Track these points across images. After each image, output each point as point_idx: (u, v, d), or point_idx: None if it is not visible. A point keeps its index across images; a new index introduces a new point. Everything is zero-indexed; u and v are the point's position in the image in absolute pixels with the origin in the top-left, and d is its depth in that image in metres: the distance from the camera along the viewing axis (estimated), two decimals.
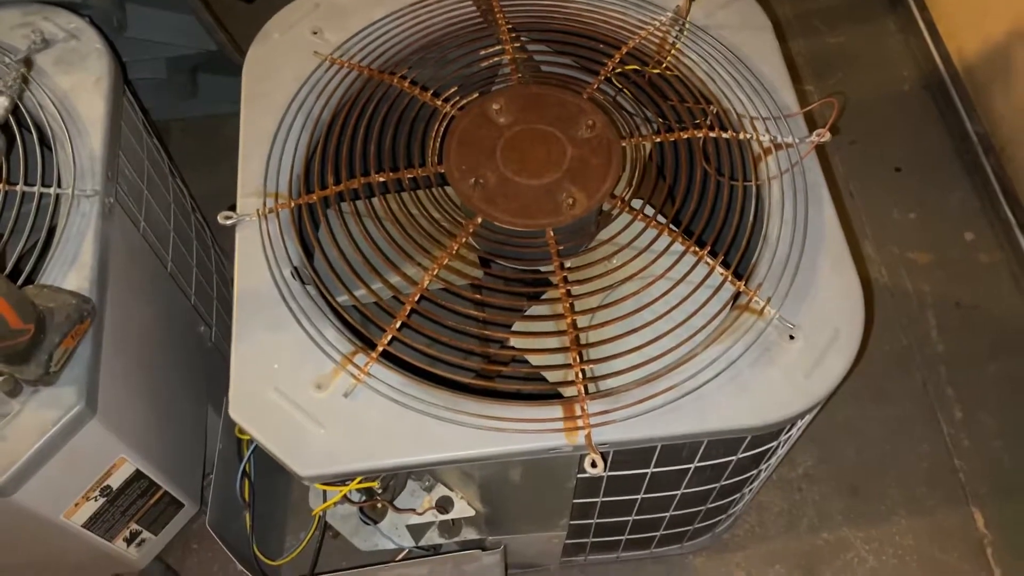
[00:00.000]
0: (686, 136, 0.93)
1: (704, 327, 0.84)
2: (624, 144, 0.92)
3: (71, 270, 0.88)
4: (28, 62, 0.93)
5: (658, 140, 0.93)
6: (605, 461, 0.79)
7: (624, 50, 1.00)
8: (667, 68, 1.01)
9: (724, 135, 0.93)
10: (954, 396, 1.45)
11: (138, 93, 1.20)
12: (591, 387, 0.82)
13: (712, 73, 1.01)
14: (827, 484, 1.38)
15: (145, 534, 1.05)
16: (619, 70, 1.00)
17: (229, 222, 0.91)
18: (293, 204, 0.91)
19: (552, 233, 0.86)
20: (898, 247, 1.61)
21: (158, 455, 0.99)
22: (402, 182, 0.91)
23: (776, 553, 1.32)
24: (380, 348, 0.82)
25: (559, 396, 0.84)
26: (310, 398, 0.81)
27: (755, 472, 1.02)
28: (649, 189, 0.93)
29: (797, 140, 0.95)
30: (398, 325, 0.83)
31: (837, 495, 1.37)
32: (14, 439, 0.79)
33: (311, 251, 0.91)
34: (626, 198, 0.89)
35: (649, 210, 0.90)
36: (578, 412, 0.80)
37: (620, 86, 1.00)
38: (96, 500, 0.93)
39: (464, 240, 0.86)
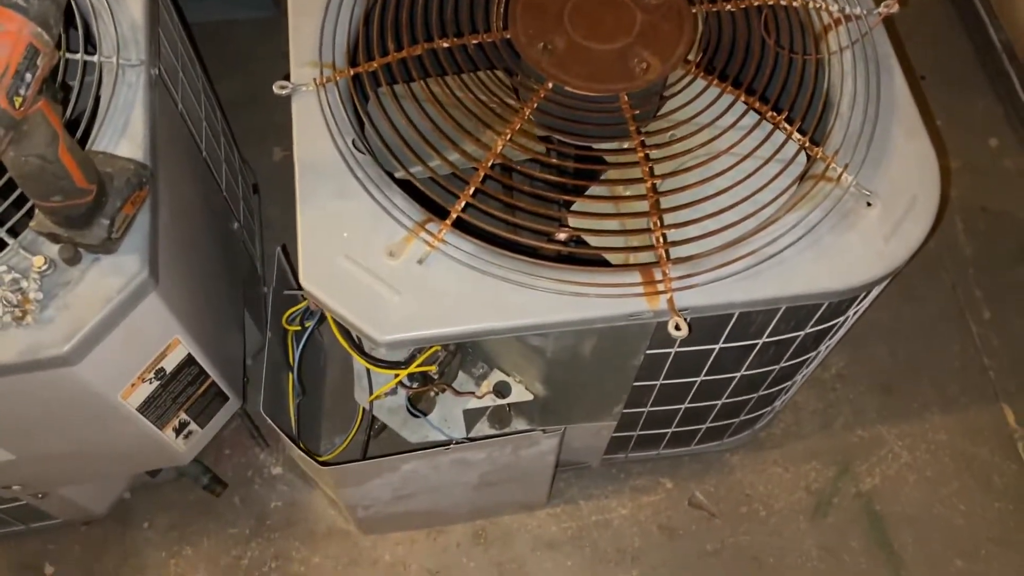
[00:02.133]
0: (757, 3, 0.90)
1: (782, 193, 0.82)
2: (695, 10, 0.89)
3: (122, 139, 0.84)
4: None
5: (729, 8, 0.90)
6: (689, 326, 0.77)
7: None
8: None
9: (794, 3, 0.91)
10: (982, 297, 1.46)
11: None
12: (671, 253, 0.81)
13: None
14: (861, 383, 1.38)
15: (193, 426, 1.02)
16: None
17: (284, 91, 0.87)
18: (352, 72, 0.87)
19: (626, 98, 0.84)
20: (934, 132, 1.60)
21: (208, 341, 0.96)
22: (467, 48, 0.87)
23: (812, 450, 1.33)
24: (454, 215, 0.80)
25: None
26: (384, 265, 0.79)
27: (814, 354, 1.01)
28: (721, 57, 0.90)
29: (865, 12, 0.93)
30: (472, 192, 0.80)
31: (871, 394, 1.37)
32: (77, 307, 0.76)
33: (372, 123, 0.88)
34: (699, 63, 0.86)
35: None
36: (659, 276, 0.78)
37: None
38: (151, 383, 0.90)
39: (535, 105, 0.83)
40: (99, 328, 0.77)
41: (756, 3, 0.90)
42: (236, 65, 1.64)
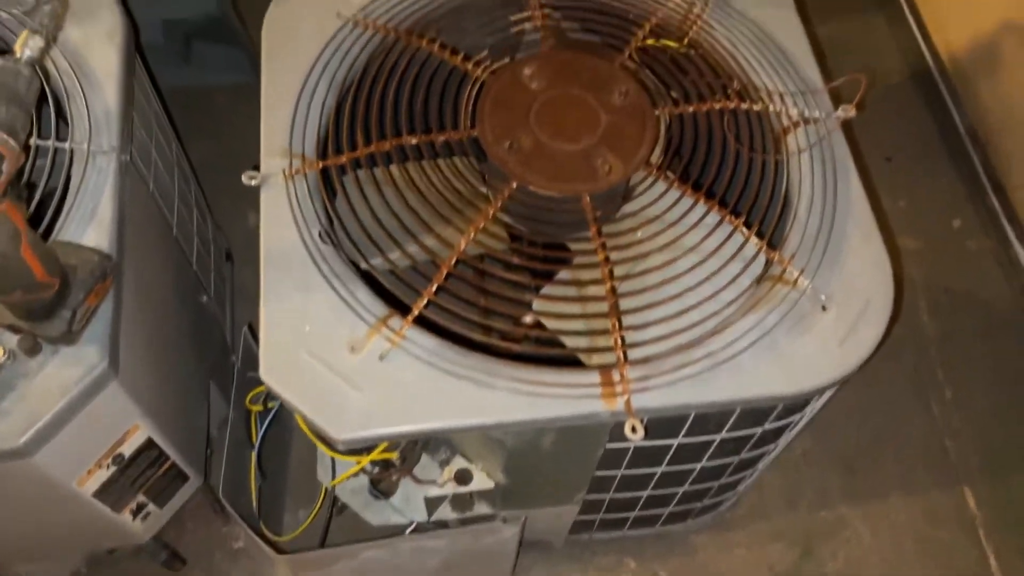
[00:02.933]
0: (718, 107, 0.92)
1: (740, 296, 0.84)
2: (657, 112, 0.91)
3: (89, 227, 0.85)
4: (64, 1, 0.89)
5: (691, 110, 0.92)
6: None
7: (651, 23, 0.99)
8: (690, 43, 1.01)
9: (754, 107, 0.94)
10: (944, 378, 1.48)
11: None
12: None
13: (736, 47, 1.01)
14: (824, 463, 1.39)
15: (151, 507, 1.01)
16: (640, 45, 0.99)
17: (254, 182, 0.88)
18: (320, 165, 0.89)
19: (588, 199, 0.85)
20: (888, 233, 1.63)
21: (169, 423, 0.96)
22: (434, 145, 0.89)
23: (776, 530, 1.33)
24: (415, 312, 0.81)
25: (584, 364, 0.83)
26: (344, 360, 0.80)
27: (773, 446, 1.03)
28: (683, 157, 0.92)
29: (824, 115, 0.96)
30: (434, 289, 0.81)
31: (834, 473, 1.39)
32: (35, 399, 0.76)
33: (337, 214, 0.89)
34: (661, 165, 0.89)
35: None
36: (617, 378, 0.79)
37: (640, 62, 1.00)
38: (108, 468, 0.90)
39: (500, 204, 0.85)
40: (56, 420, 0.77)
41: (718, 106, 0.92)
42: (212, 128, 1.65)
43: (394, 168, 0.88)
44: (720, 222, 0.86)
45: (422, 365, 0.79)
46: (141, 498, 0.99)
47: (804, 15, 1.06)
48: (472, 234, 0.83)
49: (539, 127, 0.88)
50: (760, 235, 0.88)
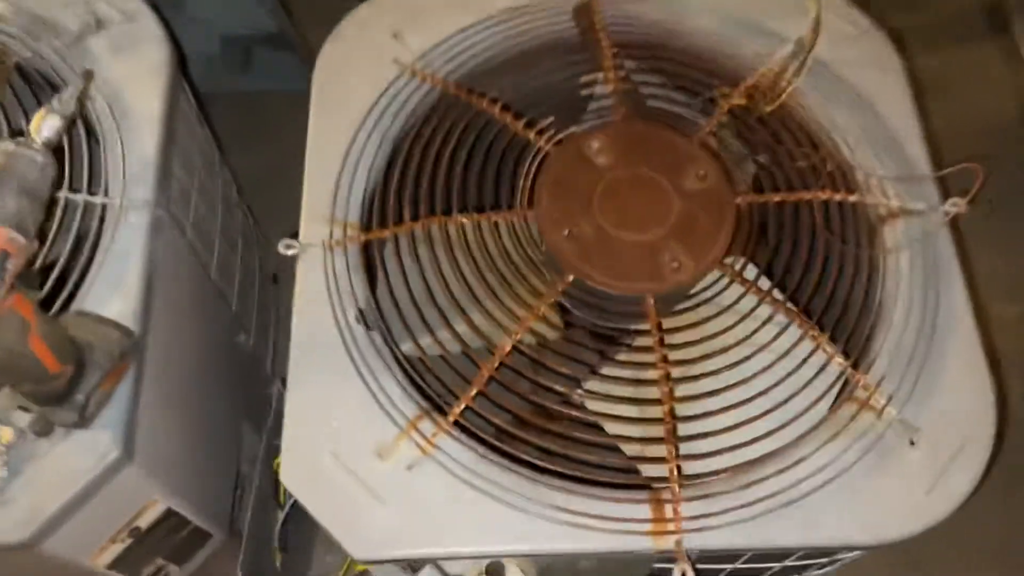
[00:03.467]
0: (808, 197, 0.82)
1: (815, 428, 0.74)
2: (738, 202, 0.81)
3: (115, 294, 0.79)
4: (89, 75, 0.84)
5: (776, 200, 0.82)
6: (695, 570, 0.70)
7: (742, 87, 0.88)
8: (781, 107, 0.90)
9: (850, 198, 0.83)
10: None
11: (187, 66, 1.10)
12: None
13: (833, 118, 0.90)
14: (889, 559, 1.28)
15: (170, 567, 0.97)
16: (728, 108, 0.89)
17: (291, 251, 0.82)
18: (363, 238, 0.82)
19: (652, 301, 0.76)
20: (983, 296, 1.49)
21: (191, 491, 0.92)
22: (485, 224, 0.81)
23: None
24: (452, 418, 0.74)
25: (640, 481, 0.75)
26: (370, 468, 0.73)
27: (839, 565, 0.93)
28: (762, 255, 0.82)
29: (928, 207, 0.85)
30: (473, 394, 0.74)
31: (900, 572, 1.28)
32: (43, 487, 0.71)
33: (374, 293, 0.82)
34: (737, 266, 0.79)
35: (763, 281, 0.80)
36: (669, 514, 0.71)
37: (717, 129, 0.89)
38: (124, 542, 0.85)
39: (552, 300, 0.77)
40: (64, 510, 0.72)
41: (807, 197, 0.82)
42: (265, 136, 1.59)
43: (439, 228, 0.80)
44: (801, 338, 0.76)
45: (454, 480, 0.72)
46: (160, 561, 0.94)
47: (903, 47, 0.94)
48: (519, 335, 0.75)
49: (603, 212, 0.79)
50: (846, 352, 0.78)
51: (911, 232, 0.84)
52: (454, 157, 0.84)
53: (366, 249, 0.82)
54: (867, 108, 0.91)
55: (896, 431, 0.75)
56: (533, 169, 0.82)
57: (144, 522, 0.86)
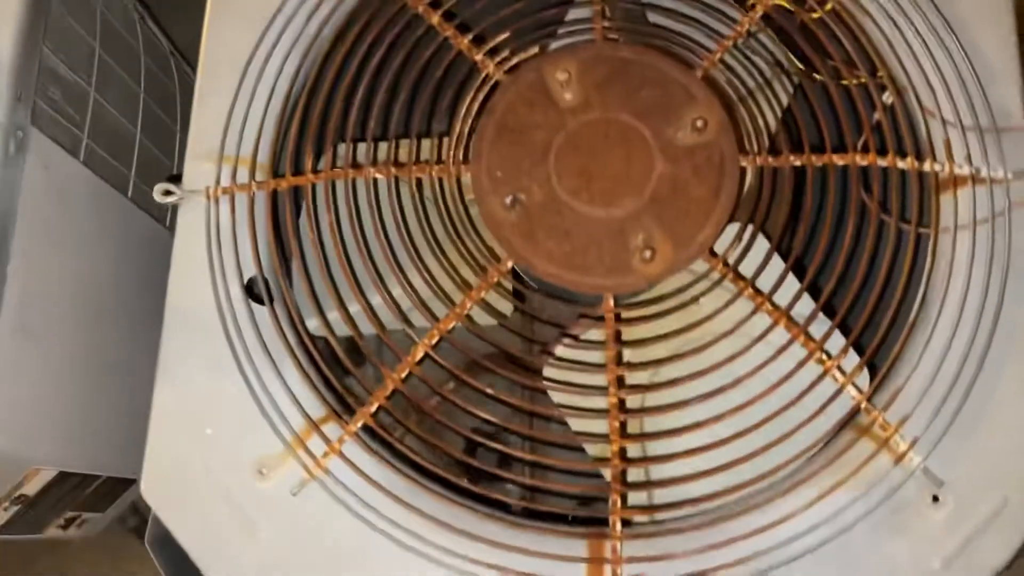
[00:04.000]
0: (841, 162, 0.61)
1: (817, 472, 0.58)
2: (745, 164, 0.61)
3: None
4: None
5: (794, 162, 0.61)
6: None
7: None
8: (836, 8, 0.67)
9: (899, 163, 0.61)
10: None
11: None
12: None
13: (898, 30, 0.66)
14: None
15: (86, 515, 0.88)
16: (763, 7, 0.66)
17: (169, 199, 0.65)
18: (256, 188, 0.64)
19: (612, 303, 0.58)
20: None
21: (93, 448, 0.81)
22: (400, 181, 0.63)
23: None
24: (346, 436, 0.59)
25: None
26: (248, 488, 0.59)
27: None
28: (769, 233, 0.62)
29: (1014, 175, 0.63)
30: (388, 393, 0.59)
31: None
32: None
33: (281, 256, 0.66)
34: (731, 261, 0.60)
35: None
36: (608, 553, 0.57)
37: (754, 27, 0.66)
38: (8, 510, 0.75)
39: (482, 294, 0.59)
40: None
41: (840, 162, 0.61)
42: None
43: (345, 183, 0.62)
44: (808, 358, 0.58)
45: (347, 515, 0.58)
46: (69, 514, 0.85)
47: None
48: (449, 325, 0.59)
49: (560, 173, 0.60)
50: (872, 365, 0.59)
51: (981, 209, 0.62)
52: (377, 79, 0.64)
53: (273, 198, 0.65)
54: (951, 29, 0.67)
55: (917, 481, 0.58)
56: (475, 106, 0.62)
57: (31, 489, 0.76)
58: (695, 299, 0.59)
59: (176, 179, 0.66)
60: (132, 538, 1.12)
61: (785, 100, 0.68)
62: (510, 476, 0.60)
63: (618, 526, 0.56)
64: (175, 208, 0.65)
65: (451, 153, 0.61)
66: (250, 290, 0.63)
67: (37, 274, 0.72)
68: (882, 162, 0.60)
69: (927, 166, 0.62)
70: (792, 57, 0.67)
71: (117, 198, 0.86)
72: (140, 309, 0.91)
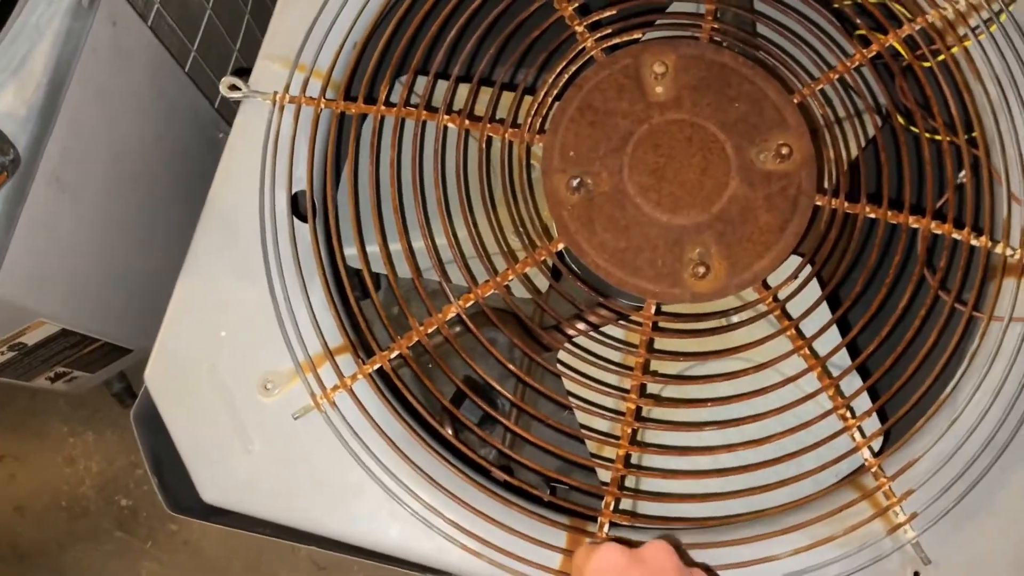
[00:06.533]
0: (914, 224, 0.59)
1: (811, 521, 0.57)
2: (820, 203, 0.59)
3: (10, 83, 0.63)
4: None
5: (868, 214, 0.59)
6: None
7: (904, 32, 0.63)
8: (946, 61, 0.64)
9: (972, 242, 0.60)
10: None
11: None
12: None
13: (1004, 100, 0.64)
14: None
15: (76, 373, 0.88)
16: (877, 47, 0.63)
17: (234, 95, 0.63)
18: (324, 105, 0.62)
19: (653, 310, 0.57)
20: None
21: (99, 313, 0.80)
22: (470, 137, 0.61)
23: None
24: (360, 375, 0.58)
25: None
26: (251, 400, 0.59)
27: None
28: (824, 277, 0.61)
29: None
30: (412, 343, 0.58)
31: None
32: None
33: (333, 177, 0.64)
34: (781, 296, 0.58)
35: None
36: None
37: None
38: (3, 354, 0.75)
39: (531, 266, 0.58)
40: None
41: (914, 224, 0.59)
42: None
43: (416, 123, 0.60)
44: (827, 413, 0.57)
45: (341, 449, 0.58)
46: (61, 369, 0.85)
47: None
48: (486, 292, 0.58)
49: (633, 166, 0.58)
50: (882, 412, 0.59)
51: None
52: (471, 21, 0.62)
53: (327, 119, 0.63)
54: None
55: (904, 556, 0.58)
56: (564, 77, 0.60)
57: (31, 339, 0.75)
58: (734, 325, 0.58)
59: (243, 73, 0.64)
60: (113, 403, 1.13)
61: (864, 143, 0.66)
62: (493, 441, 0.59)
63: (606, 527, 0.56)
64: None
65: (528, 120, 0.59)
66: (294, 204, 0.62)
67: (82, 129, 0.70)
68: (956, 235, 0.59)
69: (999, 248, 0.60)
70: (896, 101, 0.65)
71: (175, 69, 0.84)
72: (173, 187, 0.90)
